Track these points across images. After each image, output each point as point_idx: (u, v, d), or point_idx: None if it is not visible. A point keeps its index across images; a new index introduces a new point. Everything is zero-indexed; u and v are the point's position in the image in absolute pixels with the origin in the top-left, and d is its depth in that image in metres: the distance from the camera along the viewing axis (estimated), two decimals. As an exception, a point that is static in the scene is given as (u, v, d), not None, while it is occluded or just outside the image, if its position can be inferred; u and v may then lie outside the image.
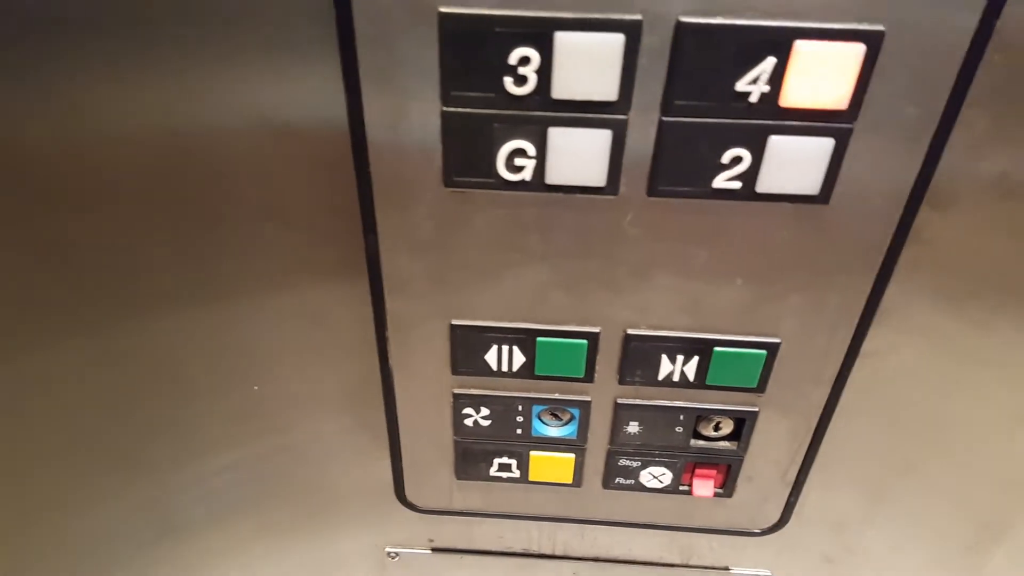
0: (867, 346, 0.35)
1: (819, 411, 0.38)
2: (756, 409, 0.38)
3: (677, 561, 0.49)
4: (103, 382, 0.43)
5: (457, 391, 0.39)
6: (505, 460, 0.42)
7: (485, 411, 0.40)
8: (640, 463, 0.41)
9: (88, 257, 0.37)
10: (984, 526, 0.44)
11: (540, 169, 0.30)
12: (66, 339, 0.40)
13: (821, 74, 0.26)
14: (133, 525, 0.49)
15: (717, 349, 0.35)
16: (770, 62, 0.26)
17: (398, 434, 0.43)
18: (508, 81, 0.28)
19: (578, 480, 0.42)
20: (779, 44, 0.26)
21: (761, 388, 0.37)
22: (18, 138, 0.33)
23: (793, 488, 0.42)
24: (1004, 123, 0.29)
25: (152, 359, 0.41)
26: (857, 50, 0.26)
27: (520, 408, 0.39)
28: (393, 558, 0.52)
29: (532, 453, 0.41)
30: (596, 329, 0.36)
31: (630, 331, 0.36)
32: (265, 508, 0.50)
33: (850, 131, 0.28)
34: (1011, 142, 0.29)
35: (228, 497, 0.49)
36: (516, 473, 0.43)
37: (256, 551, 0.52)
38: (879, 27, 0.26)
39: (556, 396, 0.39)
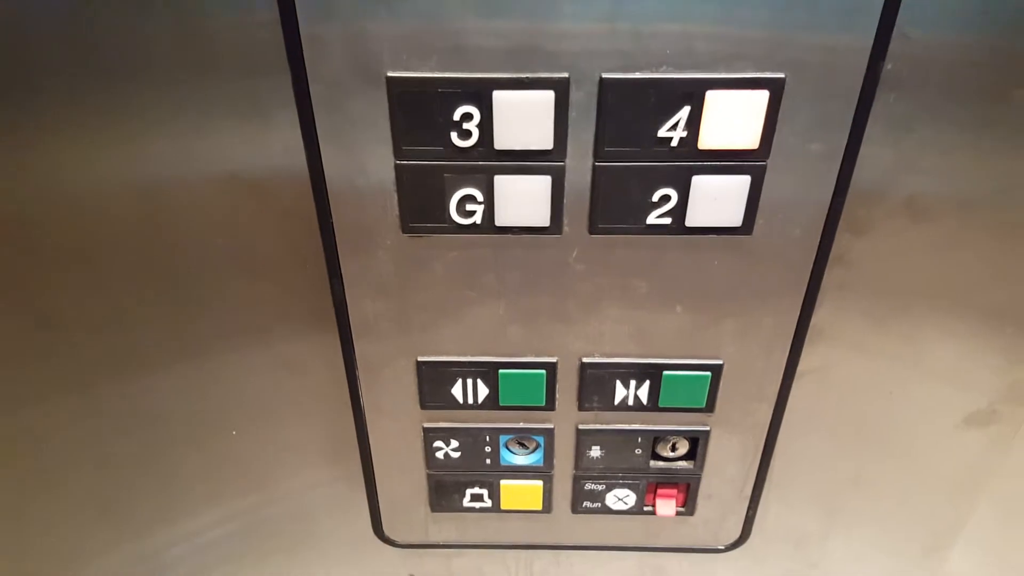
0: (804, 364, 0.38)
1: (766, 427, 0.40)
2: (708, 428, 0.40)
3: (651, 583, 0.51)
4: (85, 441, 0.44)
5: (427, 425, 0.41)
6: (477, 490, 0.44)
7: (455, 443, 0.42)
8: (605, 486, 0.43)
9: (66, 317, 0.38)
10: (937, 528, 0.46)
11: (489, 213, 0.33)
12: (47, 398, 0.42)
13: (732, 118, 0.30)
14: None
15: (666, 373, 0.38)
16: (686, 110, 0.29)
17: (373, 471, 0.44)
18: (454, 135, 0.31)
19: (547, 506, 0.44)
20: (692, 94, 0.29)
21: (710, 408, 0.39)
22: None
23: (751, 503, 0.44)
24: (906, 151, 0.32)
25: (133, 417, 0.43)
26: (762, 96, 0.29)
27: (488, 439, 0.41)
28: (375, 595, 0.53)
29: (502, 482, 0.43)
30: (553, 359, 0.38)
31: (585, 359, 0.38)
32: (247, 552, 0.51)
33: (764, 168, 0.31)
34: (914, 170, 0.32)
35: (209, 543, 0.50)
36: (488, 503, 0.44)
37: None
38: (780, 75, 0.29)
39: (521, 425, 0.41)
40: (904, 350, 0.38)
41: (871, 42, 0.29)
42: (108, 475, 0.45)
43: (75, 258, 0.37)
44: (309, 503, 0.48)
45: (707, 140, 0.30)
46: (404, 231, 0.34)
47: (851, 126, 0.30)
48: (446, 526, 0.47)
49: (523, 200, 0.32)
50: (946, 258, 0.36)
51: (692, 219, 0.32)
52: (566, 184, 0.32)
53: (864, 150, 0.31)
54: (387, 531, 0.47)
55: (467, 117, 0.30)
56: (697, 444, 0.41)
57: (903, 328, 0.38)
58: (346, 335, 0.38)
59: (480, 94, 0.30)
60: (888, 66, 0.29)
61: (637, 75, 0.29)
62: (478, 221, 0.33)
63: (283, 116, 0.32)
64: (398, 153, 0.32)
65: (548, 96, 0.30)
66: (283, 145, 0.33)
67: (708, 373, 0.38)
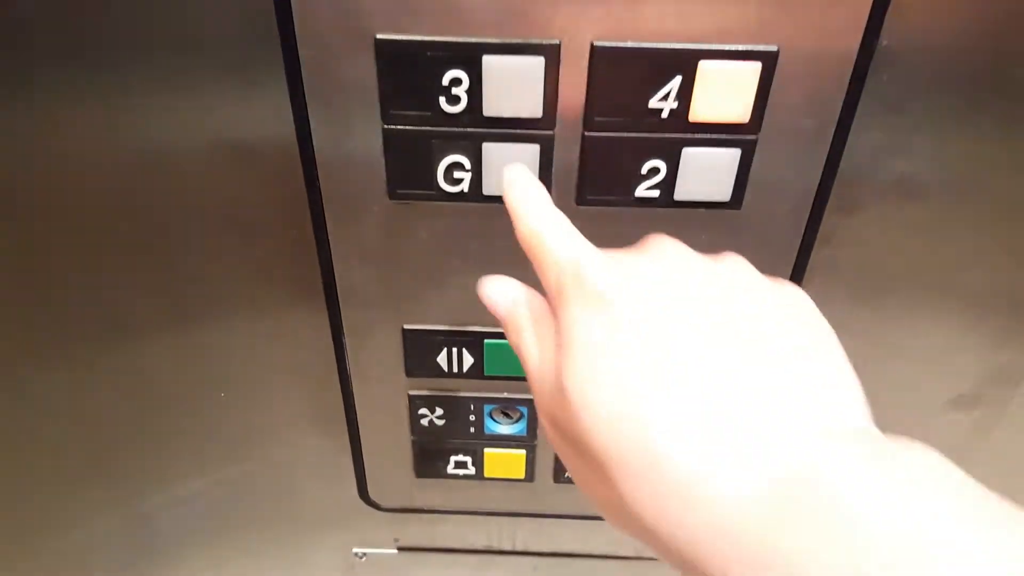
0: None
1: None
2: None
3: (631, 554, 0.51)
4: (75, 406, 0.44)
5: (412, 392, 0.41)
6: (461, 458, 0.44)
7: (440, 411, 0.42)
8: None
9: (54, 282, 0.38)
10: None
11: (477, 181, 0.33)
12: (37, 363, 0.42)
13: (724, 90, 0.29)
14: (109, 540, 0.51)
15: (652, 346, 0.38)
16: (677, 80, 0.29)
17: (359, 436, 0.44)
18: (442, 100, 0.30)
19: (530, 475, 0.45)
20: (685, 64, 0.29)
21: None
22: None
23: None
24: (896, 132, 0.31)
25: (121, 381, 0.43)
26: (754, 68, 0.29)
27: (472, 407, 0.42)
28: (360, 558, 0.54)
29: (486, 450, 0.44)
30: (539, 330, 0.38)
31: (570, 331, 0.38)
32: (232, 515, 0.51)
33: (754, 142, 0.31)
34: (905, 149, 0.32)
35: (195, 506, 0.50)
36: (472, 470, 0.45)
37: (225, 554, 0.53)
38: (773, 47, 0.28)
39: (505, 395, 0.41)
40: (889, 332, 0.38)
41: (866, 18, 0.28)
42: (96, 438, 0.46)
43: (62, 224, 0.36)
44: (295, 467, 0.48)
45: (698, 112, 0.30)
46: (391, 198, 0.34)
47: (843, 103, 0.30)
48: (431, 492, 0.47)
49: (511, 169, 0.32)
50: (933, 241, 0.35)
51: (681, 192, 0.32)
52: (555, 154, 0.32)
53: (855, 128, 0.31)
54: (372, 495, 0.48)
55: (456, 82, 0.30)
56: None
57: (888, 310, 0.38)
58: (333, 302, 0.38)
59: (470, 58, 0.29)
60: (883, 43, 0.29)
61: (629, 44, 0.29)
62: (465, 189, 0.33)
63: (271, 80, 0.31)
64: (386, 118, 0.31)
65: (538, 62, 0.29)
66: (270, 109, 0.32)
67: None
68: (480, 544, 0.52)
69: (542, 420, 0.25)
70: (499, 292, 0.29)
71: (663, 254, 0.25)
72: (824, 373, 0.22)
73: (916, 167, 0.33)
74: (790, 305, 0.24)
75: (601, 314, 0.23)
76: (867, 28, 0.28)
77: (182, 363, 0.42)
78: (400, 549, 0.53)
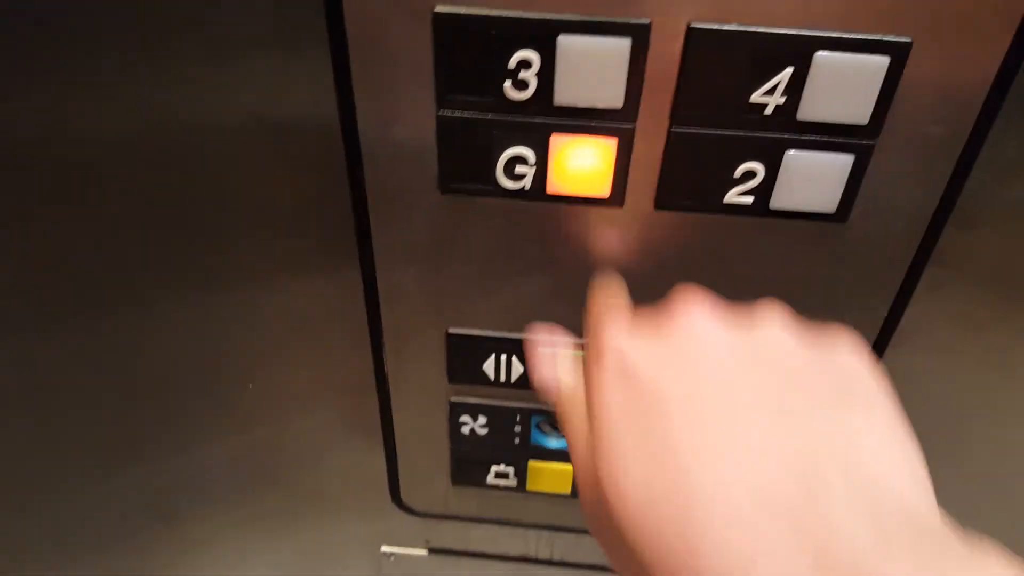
0: (885, 367, 0.34)
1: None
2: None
3: None
4: (99, 372, 0.42)
5: (454, 400, 0.38)
6: (502, 468, 0.41)
7: (483, 420, 0.39)
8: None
9: (85, 252, 0.36)
10: (1009, 542, 0.43)
11: (541, 177, 0.29)
12: (62, 331, 0.40)
13: (842, 87, 0.25)
14: (126, 512, 0.49)
15: (723, 366, 0.34)
16: (788, 73, 0.25)
17: (394, 439, 0.42)
18: (507, 85, 0.26)
19: (576, 491, 0.41)
20: (798, 54, 0.24)
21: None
22: (13, 135, 0.32)
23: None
24: (1037, 143, 0.27)
25: (150, 352, 0.41)
26: (881, 63, 0.24)
27: (519, 418, 0.38)
28: (389, 558, 0.52)
29: (530, 463, 0.40)
30: (598, 342, 0.34)
31: (633, 345, 0.34)
32: (261, 500, 0.49)
33: (871, 147, 0.26)
34: (1043, 162, 0.27)
35: (223, 488, 0.48)
36: (513, 482, 0.41)
37: (250, 543, 0.52)
38: (906, 38, 0.24)
39: (555, 407, 0.38)
40: (996, 360, 0.34)
41: (1021, 14, 0.23)
42: (117, 406, 0.44)
43: (96, 198, 0.34)
44: (328, 465, 0.46)
45: (809, 110, 0.25)
46: (442, 191, 0.30)
47: (981, 108, 0.25)
48: (467, 499, 0.44)
49: (582, 166, 0.28)
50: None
51: (778, 200, 0.28)
52: (634, 150, 0.28)
53: (990, 138, 0.26)
54: (405, 499, 0.45)
55: (524, 65, 0.26)
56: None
57: (999, 338, 0.33)
58: (372, 301, 0.35)
59: (542, 38, 0.25)
60: (1039, 33, 0.24)
61: (733, 26, 0.24)
62: (527, 186, 0.29)
63: (314, 54, 0.28)
64: (441, 103, 0.27)
65: (624, 45, 0.25)
66: (312, 87, 0.29)
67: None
68: (515, 552, 0.49)
69: (584, 510, 0.24)
70: (547, 378, 0.28)
71: (691, 323, 0.23)
72: (877, 450, 0.20)
73: (1053, 182, 0.28)
74: (837, 370, 0.22)
75: (627, 391, 0.21)
76: (1021, 25, 0.23)
77: (214, 344, 0.39)
78: (431, 551, 0.51)
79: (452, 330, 0.35)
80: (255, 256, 0.35)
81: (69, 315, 0.39)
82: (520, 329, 0.35)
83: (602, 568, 0.49)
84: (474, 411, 0.38)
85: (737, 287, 0.31)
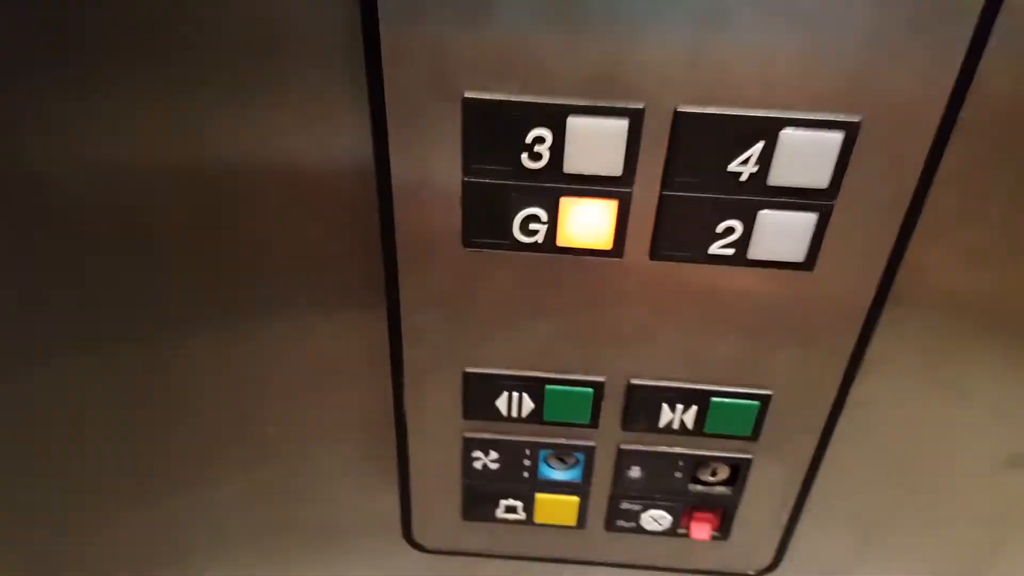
0: (852, 397, 0.38)
1: (809, 458, 0.40)
2: (750, 456, 0.40)
3: (676, 602, 0.51)
4: (115, 407, 0.44)
5: (468, 435, 0.42)
6: (511, 502, 0.44)
7: (494, 455, 0.42)
8: (641, 506, 0.43)
9: (110, 285, 0.39)
10: (970, 566, 0.46)
11: (552, 233, 0.33)
12: (80, 364, 0.42)
13: (805, 157, 0.30)
14: (136, 549, 0.51)
15: (714, 399, 0.38)
16: (759, 146, 0.30)
17: (408, 475, 0.45)
18: (524, 157, 0.31)
19: (582, 522, 0.45)
20: (767, 131, 0.29)
21: (755, 436, 0.39)
22: (41, 169, 0.35)
23: (785, 531, 0.44)
24: (969, 202, 0.32)
25: (167, 388, 0.43)
26: (836, 137, 0.29)
27: (528, 452, 0.42)
28: (399, 596, 0.54)
29: (538, 495, 0.44)
30: (601, 378, 0.38)
31: (633, 381, 0.38)
32: (270, 538, 0.51)
33: (831, 207, 0.31)
34: (975, 219, 0.32)
35: (235, 526, 0.50)
36: (522, 515, 0.45)
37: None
38: (856, 118, 0.29)
39: (562, 441, 0.41)
40: (953, 389, 0.38)
41: (949, 92, 0.29)
42: (132, 442, 0.46)
43: (126, 231, 0.37)
44: (339, 501, 0.48)
45: (777, 177, 0.30)
46: (465, 245, 0.34)
47: (921, 172, 0.30)
48: (477, 535, 0.47)
49: (587, 223, 0.33)
50: (1001, 304, 0.36)
51: (755, 252, 0.32)
52: (631, 210, 0.32)
53: (932, 196, 0.31)
54: (417, 536, 0.48)
55: (539, 140, 0.31)
56: (738, 471, 0.41)
57: (954, 368, 0.38)
58: (396, 341, 0.39)
59: (555, 119, 0.30)
60: (963, 115, 0.29)
61: (713, 109, 0.29)
62: (540, 240, 0.34)
63: (354, 119, 0.32)
64: (467, 170, 0.32)
65: (622, 124, 0.30)
66: (351, 149, 0.33)
67: (757, 403, 0.38)
68: (522, 586, 0.52)
69: None
70: None
71: None
72: None
73: (986, 234, 0.33)
74: None
75: None
76: (949, 102, 0.29)
77: (231, 380, 0.42)
78: (440, 588, 0.53)
79: (469, 369, 0.39)
80: (285, 296, 0.39)
81: (85, 349, 0.42)
82: (532, 367, 0.39)
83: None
84: (486, 446, 0.42)
85: (723, 324, 0.36)
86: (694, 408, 0.39)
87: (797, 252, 0.32)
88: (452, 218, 0.34)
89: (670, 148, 0.30)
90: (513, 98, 0.30)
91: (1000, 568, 0.46)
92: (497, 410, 0.40)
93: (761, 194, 0.31)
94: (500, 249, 0.34)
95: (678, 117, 0.29)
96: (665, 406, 0.39)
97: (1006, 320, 0.36)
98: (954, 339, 0.37)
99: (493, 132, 0.31)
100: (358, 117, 0.32)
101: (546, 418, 0.40)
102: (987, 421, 0.39)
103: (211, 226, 0.36)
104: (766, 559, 0.46)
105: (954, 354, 0.37)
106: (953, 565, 0.46)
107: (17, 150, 0.34)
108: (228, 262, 0.38)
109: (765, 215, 0.31)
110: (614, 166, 0.31)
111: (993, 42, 0.28)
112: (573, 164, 0.31)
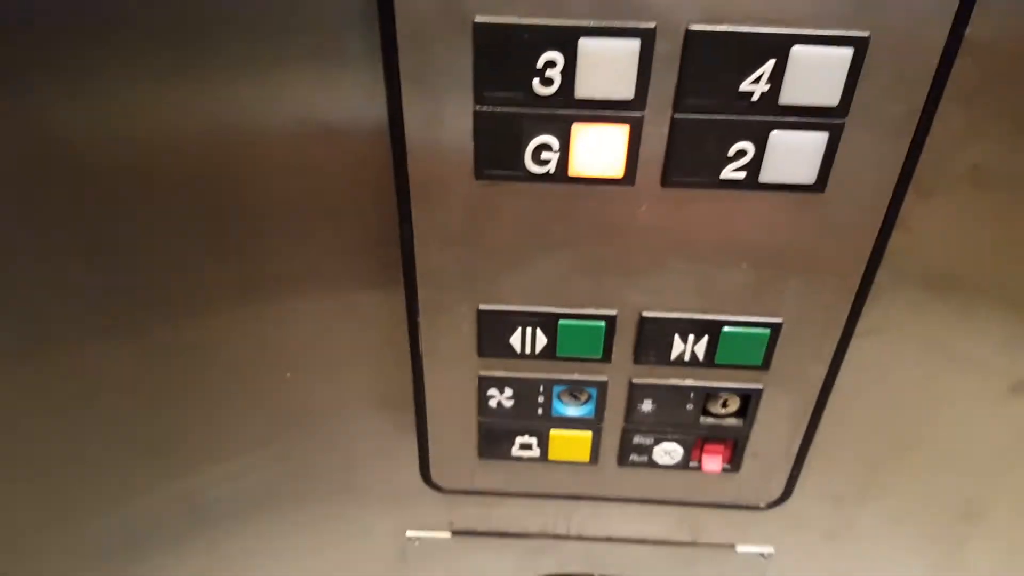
0: (861, 325, 0.39)
1: (818, 388, 0.41)
2: (761, 387, 0.41)
3: (686, 539, 0.52)
4: (138, 377, 0.45)
5: (483, 373, 0.42)
6: (526, 439, 0.45)
7: (509, 392, 0.43)
8: (653, 440, 0.44)
9: (128, 255, 0.40)
10: (976, 493, 0.47)
11: (563, 162, 0.34)
12: (103, 335, 0.43)
13: (815, 75, 0.30)
14: (164, 511, 0.52)
15: (725, 329, 0.39)
16: (770, 65, 0.30)
17: (425, 417, 0.45)
18: (535, 82, 0.31)
19: (595, 458, 0.45)
20: (778, 49, 0.30)
21: (765, 366, 0.40)
22: (63, 138, 0.35)
23: (795, 463, 0.45)
24: (976, 120, 0.32)
25: (188, 353, 0.44)
26: (846, 54, 0.29)
27: (541, 388, 0.42)
28: (414, 543, 0.55)
29: (552, 432, 0.44)
30: (613, 312, 0.39)
31: (645, 313, 0.39)
32: (288, 493, 0.52)
33: (842, 126, 0.31)
34: (983, 137, 0.33)
35: (254, 478, 0.51)
36: (536, 452, 0.45)
37: (277, 530, 0.54)
38: (865, 33, 0.29)
39: (575, 376, 0.42)
40: (959, 317, 0.39)
41: (956, 7, 0.29)
42: (155, 411, 0.47)
43: (140, 197, 0.38)
44: (357, 447, 0.49)
45: (788, 96, 0.30)
46: (477, 177, 0.35)
47: (929, 89, 0.31)
48: (493, 474, 0.48)
49: (599, 150, 0.33)
50: (1007, 224, 0.36)
51: (766, 175, 0.33)
52: (643, 135, 0.33)
53: (939, 114, 0.32)
54: (434, 477, 0.49)
55: (550, 64, 0.31)
56: (749, 402, 0.42)
57: (960, 295, 0.38)
58: (411, 281, 0.39)
59: (566, 41, 0.30)
60: (969, 32, 0.30)
61: (724, 27, 0.29)
62: (551, 170, 0.34)
63: (365, 58, 0.32)
64: (479, 99, 0.32)
65: (633, 45, 0.30)
66: (363, 88, 0.33)
67: (767, 331, 0.38)
68: (535, 529, 0.53)
69: None
70: None
71: None
72: None
73: (994, 153, 0.33)
74: None
75: None
76: (956, 17, 0.29)
77: (249, 335, 0.43)
78: (454, 533, 0.54)
79: (483, 306, 0.40)
80: (298, 247, 0.39)
81: (109, 320, 0.42)
82: (545, 303, 0.39)
83: (615, 540, 0.53)
84: (501, 384, 0.43)
85: (734, 251, 0.36)
86: (705, 339, 0.39)
87: (808, 174, 0.33)
88: (464, 150, 0.34)
89: (681, 69, 0.30)
90: (524, 21, 0.30)
91: (1008, 495, 0.47)
92: (511, 347, 0.41)
93: (773, 114, 0.31)
94: (512, 180, 0.34)
95: (689, 36, 0.30)
96: (676, 337, 0.39)
97: (1014, 241, 0.36)
98: (960, 266, 0.37)
99: (504, 58, 0.31)
100: (369, 46, 0.32)
101: (559, 353, 0.41)
102: (994, 347, 0.40)
103: (226, 184, 0.37)
104: (776, 491, 0.46)
105: (960, 281, 0.38)
106: (958, 492, 0.47)
107: (44, 122, 0.35)
108: (243, 219, 0.38)
109: (777, 135, 0.31)
110: (626, 89, 0.31)
111: (1002, -48, 0.28)
112: (585, 88, 0.31)
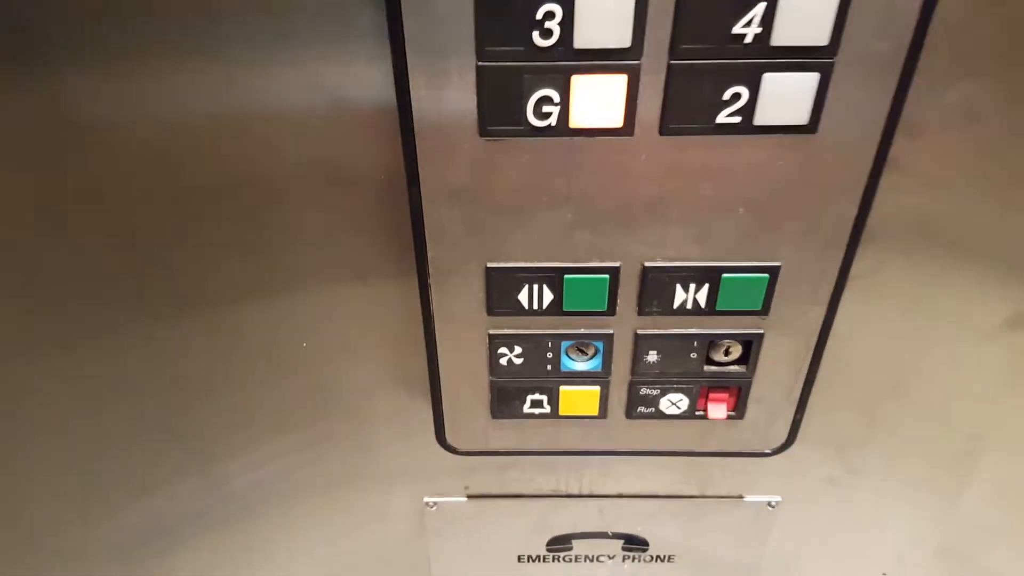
0: (856, 267, 0.40)
1: (817, 331, 0.42)
2: (761, 331, 0.42)
3: (694, 492, 0.53)
4: (161, 371, 0.46)
5: (492, 332, 0.43)
6: (537, 396, 0.46)
7: (518, 349, 0.44)
8: (659, 391, 0.45)
9: (146, 244, 0.41)
10: (973, 431, 0.48)
11: (564, 114, 0.35)
12: (125, 329, 0.44)
13: (804, 15, 0.31)
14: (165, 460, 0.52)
15: (725, 276, 0.40)
16: (761, 6, 0.31)
17: (439, 379, 0.47)
18: (535, 35, 0.33)
19: (603, 412, 0.47)
20: (768, -9, 0.31)
21: (765, 311, 0.41)
22: (81, 128, 0.37)
23: (798, 408, 0.46)
24: (962, 57, 0.33)
25: (206, 337, 0.45)
26: (834, -8, 0.31)
27: (550, 344, 0.44)
28: (432, 507, 0.56)
29: (562, 388, 0.46)
30: (616, 264, 0.40)
31: (647, 264, 0.40)
32: (310, 453, 0.53)
33: (832, 65, 0.32)
34: (970, 74, 0.34)
35: (274, 453, 0.52)
36: (547, 409, 0.47)
37: (301, 509, 0.55)
38: (851, -28, 0.30)
39: (582, 331, 0.43)
40: (951, 254, 0.40)
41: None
42: (176, 396, 0.48)
43: (153, 178, 0.39)
44: (374, 416, 0.50)
45: (779, 37, 0.32)
46: (481, 134, 0.36)
47: (916, 25, 0.32)
48: (506, 434, 0.49)
49: (598, 100, 0.34)
50: (995, 161, 0.37)
51: (760, 117, 0.34)
52: (640, 84, 0.34)
53: (926, 49, 0.33)
54: (450, 439, 0.50)
55: (549, 16, 0.32)
56: (750, 348, 0.43)
57: (951, 233, 0.40)
58: (420, 240, 0.40)
59: (564, -7, 0.31)
60: (952, -33, 0.31)
61: (715, -27, 0.31)
62: (553, 123, 0.35)
63: (370, 23, 0.34)
64: (480, 55, 0.33)
65: (629, -6, 0.31)
66: (367, 52, 0.35)
67: (766, 275, 0.39)
68: (548, 489, 0.54)
69: None
70: None
71: None
72: None
73: (981, 88, 0.35)
74: None
75: None
76: (939, -48, 0.30)
77: (267, 312, 0.44)
78: (469, 497, 0.56)
79: (490, 264, 0.41)
80: (310, 218, 0.41)
81: (132, 314, 0.44)
82: (551, 259, 0.40)
83: (626, 496, 0.54)
84: (511, 342, 0.44)
85: (731, 197, 0.37)
86: (706, 286, 0.40)
87: (801, 115, 0.34)
88: (468, 110, 0.35)
89: (676, 15, 0.32)
90: (523, -26, 0.31)
91: (1006, 431, 0.48)
92: (519, 304, 0.42)
93: (765, 56, 0.32)
94: (516, 136, 0.36)
95: (682, -18, 0.31)
96: (678, 287, 0.41)
97: (1003, 174, 0.37)
98: (951, 202, 0.39)
99: (504, 11, 0.32)
100: (375, 19, 0.33)
101: (565, 308, 0.42)
102: (986, 282, 0.41)
103: (241, 159, 0.38)
104: (780, 437, 0.48)
105: (951, 218, 0.39)
106: (956, 431, 0.49)
107: (61, 105, 0.36)
108: (254, 193, 0.39)
109: (769, 78, 0.33)
110: (623, 37, 0.32)
111: None
112: (583, 38, 0.32)
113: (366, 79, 0.36)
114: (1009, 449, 0.49)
